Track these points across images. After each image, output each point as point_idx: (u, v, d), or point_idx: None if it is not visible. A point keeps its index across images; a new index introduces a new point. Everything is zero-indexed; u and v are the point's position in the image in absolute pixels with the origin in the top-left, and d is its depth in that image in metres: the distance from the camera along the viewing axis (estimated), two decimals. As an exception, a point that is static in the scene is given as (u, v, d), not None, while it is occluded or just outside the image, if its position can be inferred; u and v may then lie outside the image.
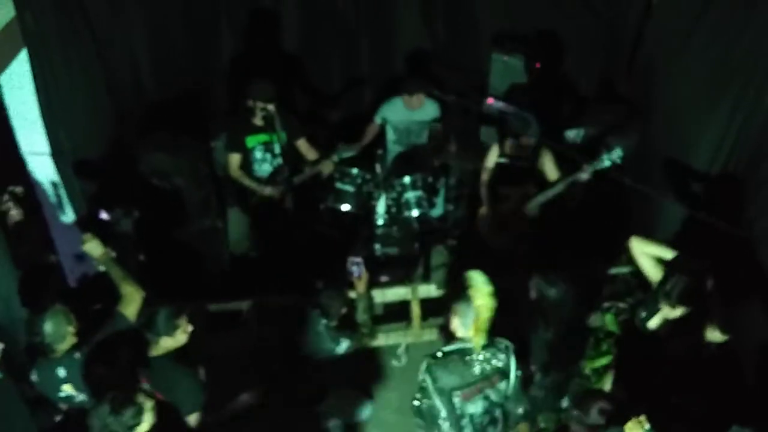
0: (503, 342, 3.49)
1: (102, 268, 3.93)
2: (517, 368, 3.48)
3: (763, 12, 4.11)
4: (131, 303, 3.71)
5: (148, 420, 3.22)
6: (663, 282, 3.65)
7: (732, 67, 4.39)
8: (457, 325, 3.40)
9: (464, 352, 3.40)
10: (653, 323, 3.74)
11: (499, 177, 5.28)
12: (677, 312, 3.62)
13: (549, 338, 3.91)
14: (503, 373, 3.45)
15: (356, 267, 4.57)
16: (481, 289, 3.31)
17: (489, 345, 3.42)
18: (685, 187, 4.87)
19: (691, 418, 3.52)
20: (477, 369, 3.39)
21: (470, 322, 3.33)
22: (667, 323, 3.70)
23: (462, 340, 3.41)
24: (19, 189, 4.32)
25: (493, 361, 3.42)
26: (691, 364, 3.67)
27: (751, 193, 4.32)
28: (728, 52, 4.42)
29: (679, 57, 4.95)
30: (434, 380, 3.36)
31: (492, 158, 5.26)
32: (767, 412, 3.67)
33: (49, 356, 3.50)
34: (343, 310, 4.47)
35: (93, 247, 3.85)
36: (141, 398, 3.23)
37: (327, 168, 5.28)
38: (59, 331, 3.45)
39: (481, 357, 3.40)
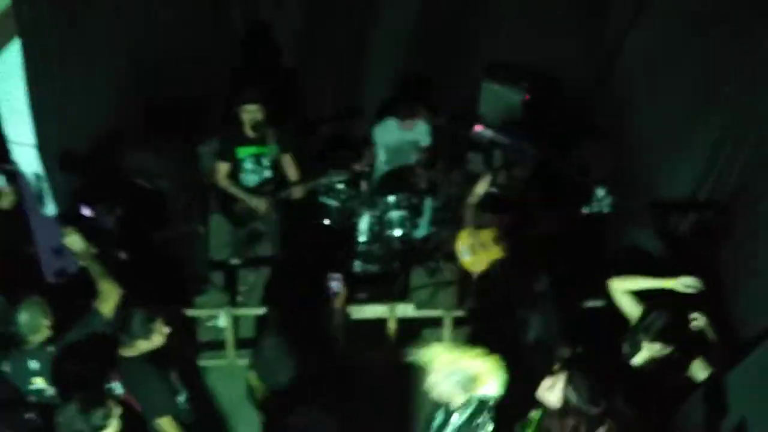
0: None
1: (81, 264, 3.88)
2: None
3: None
4: (108, 300, 3.67)
5: (114, 426, 3.17)
6: (642, 318, 3.64)
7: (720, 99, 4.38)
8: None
9: None
10: (638, 360, 3.67)
11: (485, 205, 5.32)
12: (657, 348, 3.58)
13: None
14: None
15: (335, 283, 4.57)
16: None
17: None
18: (664, 215, 4.84)
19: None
20: None
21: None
22: (653, 360, 3.64)
23: None
24: (10, 167, 4.23)
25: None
26: (680, 402, 3.66)
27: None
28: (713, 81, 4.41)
29: (659, 78, 4.97)
30: None
31: (483, 186, 5.24)
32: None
33: (22, 347, 3.45)
34: None
35: (74, 241, 3.82)
36: (110, 402, 3.19)
37: (297, 193, 5.28)
38: (34, 323, 3.41)
39: None
